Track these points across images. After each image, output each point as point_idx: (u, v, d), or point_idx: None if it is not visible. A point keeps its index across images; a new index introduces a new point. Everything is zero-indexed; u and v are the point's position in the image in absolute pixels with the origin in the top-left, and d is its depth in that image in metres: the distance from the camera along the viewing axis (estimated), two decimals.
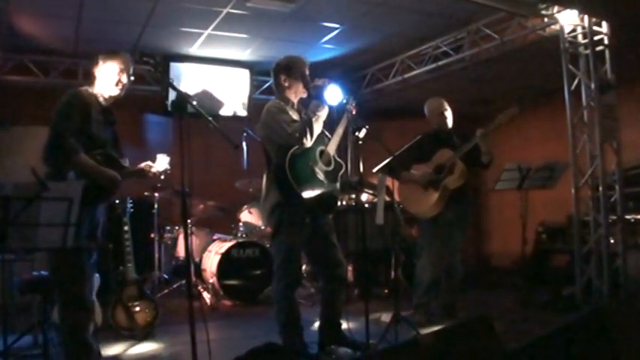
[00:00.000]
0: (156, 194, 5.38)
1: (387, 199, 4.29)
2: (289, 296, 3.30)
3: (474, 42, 5.51)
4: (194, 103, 2.70)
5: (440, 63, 5.84)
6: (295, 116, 3.32)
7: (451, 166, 4.14)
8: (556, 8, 4.61)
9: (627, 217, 4.74)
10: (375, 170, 4.15)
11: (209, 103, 6.35)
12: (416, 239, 4.69)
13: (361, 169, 3.47)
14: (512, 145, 7.19)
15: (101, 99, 3.09)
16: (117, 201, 3.94)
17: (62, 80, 5.80)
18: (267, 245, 5.45)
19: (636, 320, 2.37)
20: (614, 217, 4.55)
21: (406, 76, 6.37)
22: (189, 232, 2.77)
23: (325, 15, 5.23)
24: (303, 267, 4.80)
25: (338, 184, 3.44)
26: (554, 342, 2.20)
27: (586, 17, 4.60)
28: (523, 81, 6.49)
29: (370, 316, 3.31)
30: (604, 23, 4.64)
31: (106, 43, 4.52)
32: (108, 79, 3.07)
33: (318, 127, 3.27)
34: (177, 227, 5.80)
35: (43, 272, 3.45)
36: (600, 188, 4.52)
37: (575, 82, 4.68)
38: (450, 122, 4.36)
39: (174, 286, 5.36)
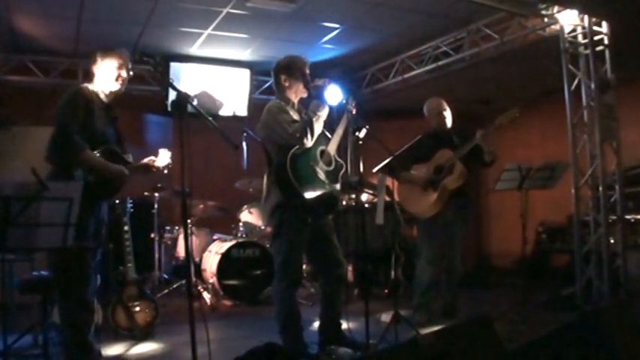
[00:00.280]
0: (156, 194, 5.38)
1: (387, 199, 4.29)
2: (290, 296, 3.30)
3: (474, 42, 5.51)
4: (194, 103, 2.71)
5: (440, 63, 5.84)
6: (295, 116, 3.32)
7: (450, 167, 4.13)
8: (556, 8, 4.61)
9: (627, 217, 4.75)
10: (375, 170, 4.15)
11: (209, 103, 6.35)
12: (416, 239, 4.69)
13: (361, 169, 3.47)
14: (512, 145, 7.18)
15: (102, 95, 3.10)
16: (117, 201, 3.94)
17: (62, 80, 5.79)
18: (267, 245, 5.45)
19: (636, 321, 2.38)
20: (614, 217, 4.55)
21: (406, 76, 6.37)
22: (189, 232, 2.77)
23: (325, 15, 5.23)
24: (304, 267, 4.80)
25: (339, 184, 3.44)
26: (554, 342, 2.20)
27: (586, 17, 4.60)
28: (523, 81, 6.49)
29: (370, 316, 3.30)
30: (604, 23, 4.64)
31: (106, 43, 4.49)
32: (107, 75, 3.07)
33: (318, 127, 3.27)
34: (177, 227, 5.80)
35: (43, 272, 3.45)
36: (600, 188, 4.52)
37: (575, 82, 4.68)
38: (449, 122, 4.36)
39: (174, 286, 5.36)
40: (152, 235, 5.49)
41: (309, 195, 3.18)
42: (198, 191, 5.42)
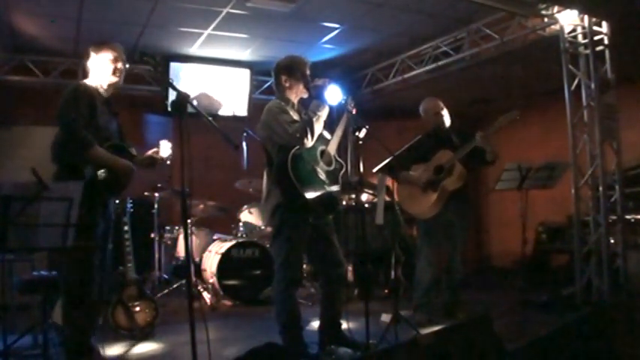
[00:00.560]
0: (156, 194, 5.38)
1: (387, 199, 4.29)
2: (290, 296, 3.30)
3: (474, 42, 5.51)
4: (194, 103, 2.70)
5: (440, 63, 5.84)
6: (295, 116, 3.32)
7: (450, 168, 4.13)
8: (556, 8, 4.61)
9: (627, 217, 4.74)
10: (375, 170, 4.15)
11: (208, 105, 6.35)
12: (416, 239, 4.69)
13: (361, 169, 3.47)
14: (512, 145, 7.18)
15: (102, 90, 3.08)
16: (117, 201, 3.94)
17: (62, 80, 5.79)
18: (267, 245, 5.45)
19: (636, 320, 2.38)
20: (614, 217, 4.55)
21: (406, 76, 6.37)
22: (189, 232, 2.77)
23: (325, 15, 5.23)
24: (304, 267, 4.80)
25: (339, 185, 3.44)
26: (554, 342, 2.20)
27: (586, 17, 4.60)
28: (523, 81, 6.49)
29: (370, 316, 3.30)
30: (604, 23, 4.64)
31: None
32: (104, 69, 3.05)
33: (319, 127, 3.27)
34: (177, 227, 5.80)
35: (43, 272, 3.45)
36: (600, 188, 4.52)
37: (575, 82, 4.68)
38: (447, 122, 4.35)
39: (174, 286, 5.35)
40: (152, 235, 5.48)
41: (310, 195, 3.19)
42: (198, 191, 5.41)
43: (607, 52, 4.63)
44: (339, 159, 3.47)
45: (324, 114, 3.28)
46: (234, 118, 6.59)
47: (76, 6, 4.72)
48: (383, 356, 2.17)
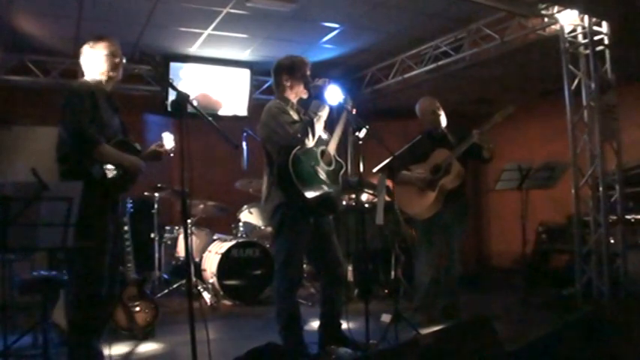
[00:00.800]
0: (156, 194, 5.38)
1: (387, 199, 4.29)
2: (290, 296, 3.30)
3: (474, 42, 5.51)
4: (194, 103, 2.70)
5: (440, 63, 5.83)
6: (295, 116, 3.32)
7: (448, 167, 4.13)
8: (556, 8, 4.61)
9: (627, 217, 4.74)
10: (375, 170, 4.15)
11: (207, 105, 6.35)
12: (416, 239, 4.69)
13: (361, 169, 3.47)
14: (512, 145, 7.18)
15: (102, 86, 3.01)
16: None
17: (62, 80, 5.80)
18: (267, 245, 5.46)
19: (636, 320, 2.37)
20: (614, 217, 4.55)
21: (406, 76, 6.37)
22: (189, 232, 2.77)
23: (325, 15, 5.23)
24: (304, 267, 4.81)
25: (340, 185, 3.44)
26: (554, 342, 2.20)
27: (586, 17, 4.60)
28: (523, 81, 6.49)
29: (370, 316, 3.30)
30: (604, 23, 4.64)
31: None
32: (103, 64, 3.00)
33: (319, 128, 3.27)
34: (177, 227, 5.80)
35: (43, 272, 3.45)
36: (600, 188, 4.52)
37: (576, 82, 4.68)
38: (443, 121, 4.35)
39: (174, 286, 5.36)
40: (152, 235, 5.49)
41: (311, 195, 3.19)
42: (198, 191, 5.41)
43: (607, 52, 4.63)
44: (339, 159, 3.46)
45: (324, 114, 3.28)
46: (234, 118, 6.59)
47: (76, 6, 4.72)
48: (383, 356, 2.17)
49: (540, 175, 4.37)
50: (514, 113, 4.07)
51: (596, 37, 4.60)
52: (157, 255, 5.46)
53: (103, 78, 3.02)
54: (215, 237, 5.88)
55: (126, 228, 3.85)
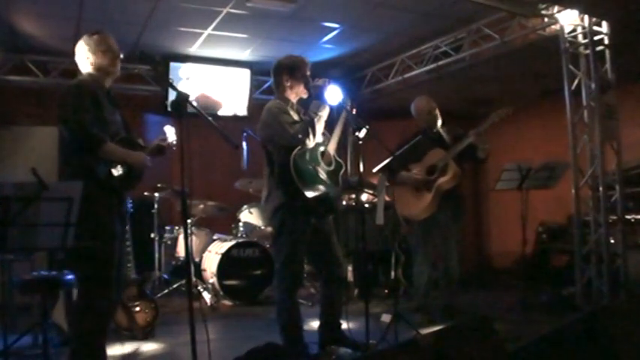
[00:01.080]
0: (156, 194, 5.38)
1: (387, 199, 4.29)
2: (291, 297, 3.30)
3: (474, 42, 5.50)
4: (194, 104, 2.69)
5: (440, 63, 5.83)
6: (295, 116, 3.32)
7: (444, 167, 4.12)
8: (556, 8, 4.61)
9: (627, 217, 4.74)
10: (375, 170, 4.15)
11: (207, 106, 6.35)
12: None
13: (361, 169, 3.47)
14: (512, 145, 7.18)
15: (101, 82, 2.95)
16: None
17: (62, 80, 5.78)
18: (267, 245, 5.46)
19: (636, 320, 2.37)
20: (614, 217, 4.55)
21: (406, 76, 6.36)
22: (189, 232, 2.77)
23: (325, 15, 5.22)
24: (304, 267, 4.81)
25: (340, 185, 3.44)
26: (554, 342, 2.20)
27: (586, 17, 4.60)
28: (523, 81, 6.49)
29: (370, 316, 3.30)
30: (604, 23, 4.64)
31: None
32: (99, 60, 2.92)
33: (320, 128, 3.27)
34: (177, 227, 5.80)
35: (43, 272, 3.44)
36: (600, 188, 4.52)
37: (576, 82, 4.68)
38: (439, 121, 4.35)
39: (174, 286, 5.36)
40: (152, 235, 5.49)
41: (312, 195, 3.19)
42: (198, 191, 5.42)
43: (607, 52, 4.63)
44: (339, 159, 3.46)
45: (324, 114, 3.28)
46: (234, 118, 6.59)
47: (76, 6, 4.72)
48: (383, 356, 2.17)
49: (540, 175, 4.37)
50: (514, 113, 4.07)
51: (596, 37, 4.60)
52: (156, 255, 5.46)
53: (102, 74, 2.95)
54: (215, 237, 5.88)
55: (126, 228, 3.86)
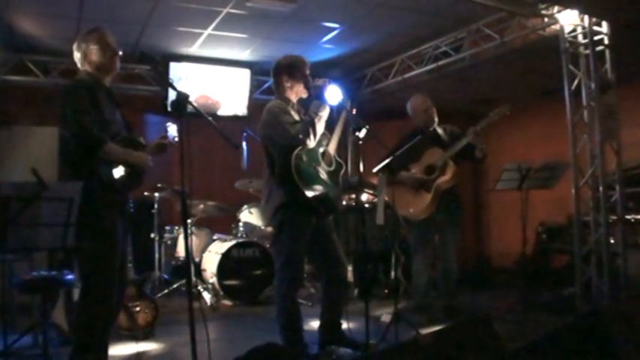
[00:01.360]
0: (156, 194, 5.38)
1: (387, 199, 4.29)
2: (291, 297, 3.30)
3: (474, 42, 5.50)
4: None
5: (440, 63, 5.83)
6: (296, 117, 3.32)
7: (443, 166, 4.11)
8: (556, 8, 4.60)
9: (627, 217, 4.74)
10: (375, 170, 4.16)
11: (206, 108, 6.35)
12: None
13: (361, 169, 3.47)
14: (512, 145, 7.18)
15: (100, 81, 2.89)
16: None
17: (62, 80, 5.79)
18: (267, 245, 5.46)
19: (636, 320, 2.37)
20: (614, 217, 4.55)
21: (406, 76, 6.36)
22: (189, 232, 2.77)
23: (325, 15, 5.22)
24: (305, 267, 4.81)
25: (340, 185, 3.44)
26: (554, 342, 2.20)
27: (586, 17, 4.59)
28: (523, 81, 6.49)
29: (370, 316, 3.30)
30: (604, 23, 4.64)
31: None
32: (97, 57, 2.86)
33: (320, 128, 3.28)
34: (177, 227, 5.80)
35: (43, 272, 3.44)
36: (600, 188, 4.52)
37: (576, 82, 4.68)
38: (435, 119, 4.34)
39: (174, 286, 5.36)
40: (152, 235, 5.48)
41: (313, 195, 3.20)
42: (198, 191, 5.41)
43: (607, 52, 4.63)
44: (339, 159, 3.47)
45: (325, 114, 3.29)
46: (234, 118, 6.59)
47: (76, 6, 4.72)
48: (383, 356, 2.17)
49: (540, 175, 4.36)
50: (514, 113, 4.07)
51: (596, 37, 4.60)
52: (156, 255, 5.45)
53: (100, 72, 2.89)
54: (215, 237, 5.88)
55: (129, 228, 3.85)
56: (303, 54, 3.50)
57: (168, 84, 2.97)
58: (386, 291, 5.56)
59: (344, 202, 5.95)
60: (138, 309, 3.89)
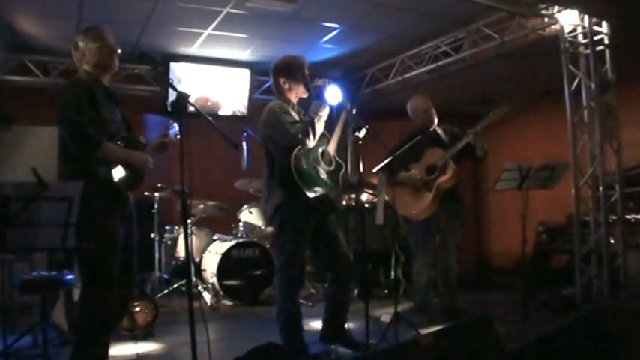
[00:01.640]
0: (156, 194, 5.38)
1: (387, 199, 4.29)
2: (292, 297, 3.30)
3: (474, 42, 5.50)
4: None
5: (440, 63, 5.83)
6: (296, 117, 3.33)
7: (443, 166, 4.12)
8: (556, 8, 4.61)
9: (627, 217, 4.74)
10: (375, 170, 4.16)
11: (206, 109, 6.35)
12: None
13: (361, 169, 3.47)
14: (512, 145, 7.19)
15: (99, 80, 2.85)
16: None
17: (62, 80, 5.79)
18: (267, 245, 5.46)
19: (636, 320, 2.38)
20: (614, 217, 4.55)
21: (406, 76, 6.37)
22: (189, 232, 2.76)
23: (325, 15, 5.22)
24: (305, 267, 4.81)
25: (339, 185, 3.44)
26: (554, 342, 2.20)
27: (586, 17, 4.59)
28: (523, 81, 6.49)
29: (370, 316, 3.30)
30: (604, 23, 4.64)
31: None
32: (95, 56, 2.82)
33: (320, 128, 3.28)
34: (177, 227, 5.80)
35: (43, 272, 3.45)
36: (600, 188, 4.52)
37: (576, 82, 4.68)
38: (435, 120, 4.35)
39: (174, 286, 5.35)
40: (152, 235, 5.48)
41: (313, 195, 3.20)
42: (198, 191, 5.41)
43: (607, 52, 4.63)
44: (338, 160, 3.47)
45: (325, 114, 3.29)
46: (234, 118, 6.59)
47: (76, 6, 4.72)
48: (383, 356, 2.17)
49: (540, 175, 4.36)
50: (514, 113, 4.07)
51: (596, 37, 4.60)
52: (157, 255, 5.45)
53: (99, 70, 2.86)
54: (215, 237, 5.88)
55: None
56: (303, 54, 3.50)
57: (168, 84, 2.96)
58: (386, 291, 5.56)
59: (344, 202, 5.95)
60: (138, 309, 3.89)
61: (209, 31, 5.49)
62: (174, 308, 4.87)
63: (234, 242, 5.38)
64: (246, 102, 6.67)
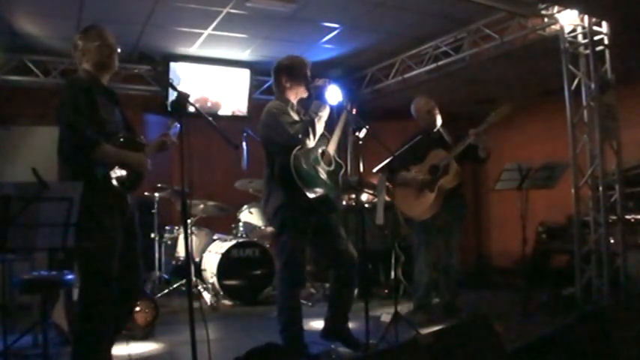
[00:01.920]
0: (156, 194, 5.38)
1: (387, 199, 4.29)
2: (292, 297, 3.31)
3: (474, 42, 5.50)
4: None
5: (440, 63, 5.83)
6: (296, 117, 3.33)
7: (446, 166, 4.12)
8: (556, 8, 4.61)
9: (627, 217, 4.74)
10: (375, 170, 4.16)
11: (206, 110, 6.35)
12: None
13: (361, 169, 3.47)
14: (512, 145, 7.18)
15: (98, 79, 2.82)
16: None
17: (62, 80, 5.79)
18: (267, 245, 5.46)
19: (636, 320, 2.37)
20: (614, 217, 4.55)
21: (406, 76, 6.36)
22: (189, 232, 2.76)
23: (325, 15, 5.23)
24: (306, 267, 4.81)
25: (339, 185, 3.45)
26: (554, 342, 2.20)
27: (586, 17, 4.60)
28: (523, 81, 6.49)
29: (370, 316, 3.30)
30: (604, 23, 4.64)
31: None
32: (97, 56, 2.80)
33: (320, 128, 3.28)
34: (177, 227, 5.80)
35: (43, 272, 3.44)
36: (600, 188, 4.52)
37: (576, 82, 4.68)
38: (439, 121, 4.35)
39: (174, 286, 5.35)
40: (152, 235, 5.48)
41: (313, 195, 3.20)
42: (198, 191, 5.41)
43: (607, 52, 4.63)
44: (338, 159, 3.47)
45: (325, 114, 3.29)
46: (234, 118, 6.59)
47: (76, 6, 4.72)
48: (383, 356, 2.17)
49: (540, 175, 4.37)
50: (514, 113, 4.06)
51: (596, 37, 4.60)
52: (157, 255, 5.45)
53: (98, 70, 2.83)
54: (215, 237, 5.88)
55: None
56: (303, 54, 3.50)
57: (168, 84, 2.95)
58: (386, 291, 5.56)
59: (344, 202, 5.95)
60: (138, 309, 3.88)
61: (209, 31, 5.50)
62: (174, 308, 4.87)
63: (234, 242, 5.39)
64: (246, 102, 6.67)
